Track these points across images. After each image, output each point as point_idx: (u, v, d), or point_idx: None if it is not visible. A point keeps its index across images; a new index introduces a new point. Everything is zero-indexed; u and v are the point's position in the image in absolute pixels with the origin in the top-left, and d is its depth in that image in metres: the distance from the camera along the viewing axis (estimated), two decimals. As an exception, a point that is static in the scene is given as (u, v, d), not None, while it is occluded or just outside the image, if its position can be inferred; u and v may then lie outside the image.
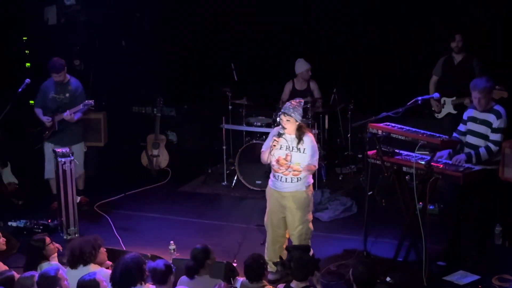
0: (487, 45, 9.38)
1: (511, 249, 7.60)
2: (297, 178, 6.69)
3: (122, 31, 11.79)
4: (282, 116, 6.66)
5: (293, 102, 6.71)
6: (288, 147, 6.69)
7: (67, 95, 8.67)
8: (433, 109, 8.85)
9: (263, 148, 6.82)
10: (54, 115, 8.65)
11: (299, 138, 6.66)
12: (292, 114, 6.59)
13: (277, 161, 6.70)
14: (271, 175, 6.87)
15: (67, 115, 8.53)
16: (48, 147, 8.79)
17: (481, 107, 6.95)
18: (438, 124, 8.75)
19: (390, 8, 10.21)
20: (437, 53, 9.26)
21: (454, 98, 8.59)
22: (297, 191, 6.73)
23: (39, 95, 8.81)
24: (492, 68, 8.55)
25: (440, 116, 8.81)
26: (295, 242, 6.77)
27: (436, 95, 8.29)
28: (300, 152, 6.66)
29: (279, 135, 6.66)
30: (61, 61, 8.65)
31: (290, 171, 6.68)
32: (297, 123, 6.65)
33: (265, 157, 6.73)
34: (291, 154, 6.66)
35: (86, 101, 8.58)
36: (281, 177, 6.71)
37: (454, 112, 8.58)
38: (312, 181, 6.88)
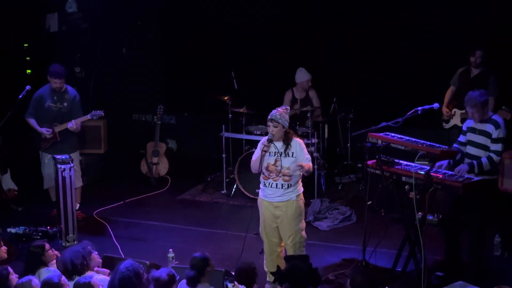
0: (508, 62, 9.35)
1: (510, 260, 7.60)
2: (288, 184, 6.70)
3: (123, 39, 11.82)
4: (269, 123, 6.70)
5: (279, 109, 6.76)
6: (276, 153, 6.71)
7: (65, 104, 8.63)
8: (442, 117, 8.81)
9: (253, 158, 6.83)
10: (53, 126, 8.63)
11: (287, 143, 6.70)
12: (279, 121, 6.64)
13: (267, 167, 6.71)
14: (261, 185, 6.88)
15: (72, 125, 8.50)
16: (45, 157, 8.77)
17: (476, 120, 6.98)
18: (438, 134, 8.68)
19: (391, 18, 10.23)
20: (438, 64, 9.29)
21: (464, 111, 8.47)
22: (289, 200, 6.74)
23: (33, 104, 8.70)
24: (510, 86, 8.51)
25: (447, 126, 8.78)
26: (290, 251, 6.77)
27: (436, 105, 8.28)
28: (288, 156, 6.69)
29: (269, 141, 6.68)
30: (62, 67, 8.63)
31: (280, 176, 6.69)
32: (284, 130, 6.69)
33: (256, 165, 6.73)
34: (280, 160, 6.68)
35: (94, 111, 8.54)
36: (272, 183, 6.72)
37: (460, 125, 8.40)
38: (302, 189, 6.90)
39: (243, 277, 6.03)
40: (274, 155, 6.73)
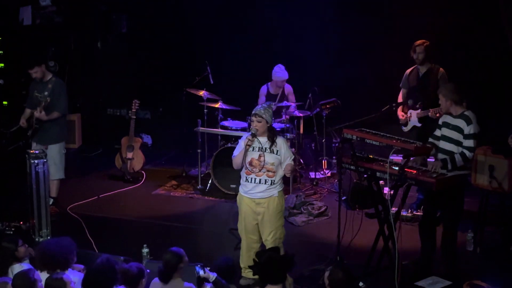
0: (453, 56, 9.40)
1: (482, 256, 7.68)
2: (271, 180, 6.70)
3: (97, 33, 11.75)
4: (253, 118, 6.69)
5: (263, 104, 6.77)
6: (261, 148, 6.71)
7: (46, 93, 8.62)
8: (400, 122, 8.69)
9: (235, 153, 6.82)
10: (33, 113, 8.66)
11: (272, 140, 6.70)
12: (263, 115, 6.64)
13: (250, 163, 6.70)
14: (242, 181, 6.86)
15: (36, 112, 8.53)
16: (33, 146, 8.77)
17: (441, 110, 7.10)
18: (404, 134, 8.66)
19: (365, 14, 10.29)
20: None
21: (419, 111, 8.45)
22: (271, 197, 6.75)
23: (29, 93, 8.84)
24: (458, 79, 8.49)
25: (406, 129, 8.66)
26: (269, 247, 6.76)
27: (410, 100, 8.30)
28: (273, 153, 6.68)
29: (253, 135, 6.67)
30: (36, 56, 8.67)
31: (264, 172, 6.69)
32: (268, 125, 6.69)
33: (239, 160, 6.73)
34: (264, 155, 6.68)
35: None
36: (254, 179, 6.70)
37: (419, 125, 8.42)
38: (283, 186, 6.91)
39: (223, 273, 5.99)
40: (258, 150, 6.72)
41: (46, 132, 8.70)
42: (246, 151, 6.67)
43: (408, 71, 8.67)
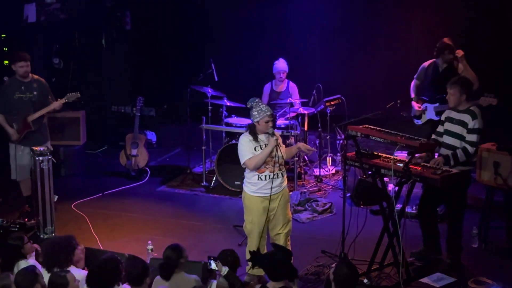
0: (475, 51, 9.36)
1: (487, 252, 7.67)
2: (281, 173, 6.75)
3: (102, 30, 11.75)
4: (269, 118, 6.63)
5: (264, 104, 6.75)
6: (266, 145, 6.70)
7: (35, 92, 8.49)
8: (412, 114, 8.69)
9: (248, 156, 6.68)
10: (26, 116, 8.46)
11: (273, 134, 6.70)
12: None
13: None
14: (251, 180, 6.76)
15: (33, 115, 8.37)
16: (18, 149, 8.56)
17: (450, 104, 7.05)
18: (416, 128, 8.66)
19: (371, 10, 10.27)
20: (418, 57, 9.32)
21: (437, 104, 8.44)
22: (283, 189, 6.78)
23: (1, 98, 8.52)
24: (479, 74, 8.47)
25: (421, 122, 8.66)
26: (282, 241, 6.75)
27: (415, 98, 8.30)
28: (279, 146, 6.70)
29: (273, 134, 6.68)
30: (25, 52, 8.49)
31: (277, 166, 6.69)
32: None
33: (262, 162, 6.66)
34: (275, 150, 6.67)
35: (69, 93, 8.48)
36: (268, 175, 6.66)
37: (436, 118, 8.35)
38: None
39: (225, 260, 5.96)
40: (264, 148, 6.71)
41: (39, 132, 8.57)
42: (277, 149, 6.65)
43: (426, 64, 8.62)
